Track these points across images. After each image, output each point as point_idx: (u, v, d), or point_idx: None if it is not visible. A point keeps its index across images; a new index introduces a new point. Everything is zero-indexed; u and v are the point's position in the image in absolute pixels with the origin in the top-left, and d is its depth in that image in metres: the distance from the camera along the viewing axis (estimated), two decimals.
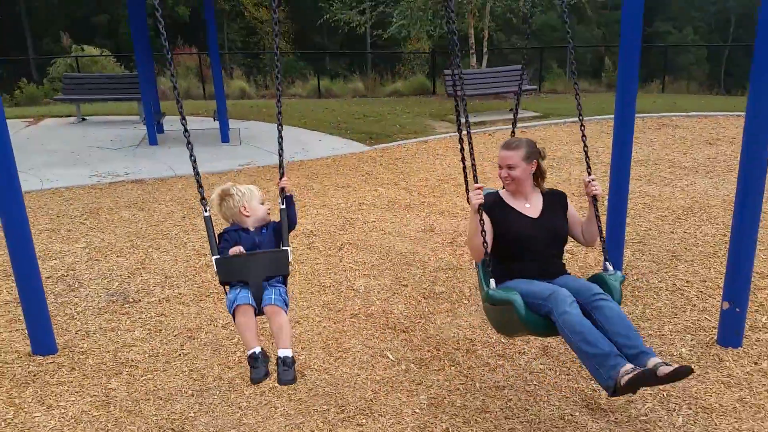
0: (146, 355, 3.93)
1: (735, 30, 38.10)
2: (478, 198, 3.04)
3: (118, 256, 5.54)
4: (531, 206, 3.29)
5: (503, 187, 3.39)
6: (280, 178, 2.99)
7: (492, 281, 3.00)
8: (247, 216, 2.97)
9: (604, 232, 3.29)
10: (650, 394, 3.37)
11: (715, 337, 3.91)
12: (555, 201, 3.35)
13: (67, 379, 3.66)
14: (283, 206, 2.96)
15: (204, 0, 10.29)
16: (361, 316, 4.40)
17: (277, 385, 3.48)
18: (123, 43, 28.74)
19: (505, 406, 3.35)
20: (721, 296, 3.87)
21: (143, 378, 3.68)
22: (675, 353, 3.80)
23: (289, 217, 2.96)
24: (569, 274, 3.25)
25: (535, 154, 3.28)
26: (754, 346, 3.84)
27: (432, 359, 3.84)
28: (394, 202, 7.04)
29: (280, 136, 2.99)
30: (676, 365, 2.54)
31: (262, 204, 3.03)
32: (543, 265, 3.17)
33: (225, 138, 10.45)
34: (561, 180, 7.25)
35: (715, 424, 3.14)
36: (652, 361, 2.62)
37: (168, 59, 2.76)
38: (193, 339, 4.12)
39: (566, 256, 4.47)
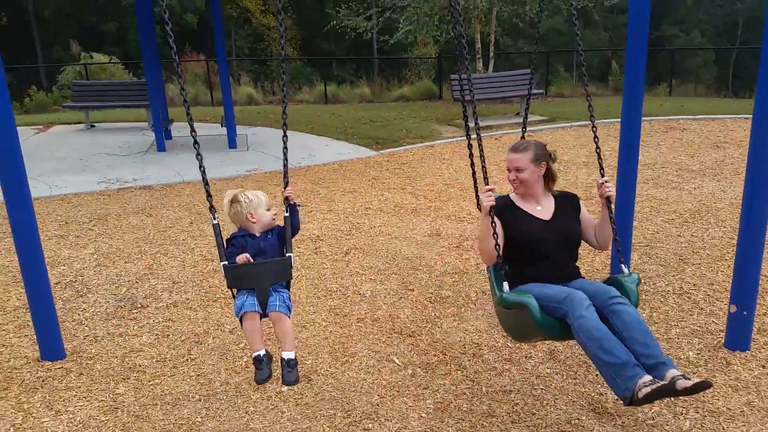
0: (154, 360, 3.95)
1: (743, 33, 37.96)
2: (489, 200, 2.98)
3: (126, 262, 5.58)
4: (542, 209, 3.25)
5: (513, 191, 3.36)
6: (285, 187, 3.11)
7: (505, 284, 2.94)
8: (254, 222, 3.09)
9: (617, 234, 3.22)
10: None
11: (723, 341, 3.89)
12: (567, 203, 3.31)
13: (75, 385, 3.68)
14: (287, 214, 3.08)
15: (212, 7, 10.38)
16: (368, 321, 4.41)
17: (283, 389, 3.56)
18: (131, 50, 28.95)
19: (512, 410, 3.35)
20: (729, 299, 3.85)
21: (151, 383, 3.69)
22: (682, 357, 3.78)
23: (293, 224, 3.09)
24: (583, 277, 3.20)
25: (544, 156, 3.24)
26: (762, 350, 3.81)
27: (438, 363, 3.84)
28: (400, 206, 7.05)
29: (285, 147, 3.10)
30: (695, 380, 2.47)
31: (269, 210, 3.13)
32: (556, 268, 3.12)
33: (232, 144, 10.50)
34: (568, 184, 7.23)
35: (723, 428, 3.12)
36: (671, 374, 2.56)
37: (177, 69, 2.91)
38: (201, 344, 4.14)
39: None
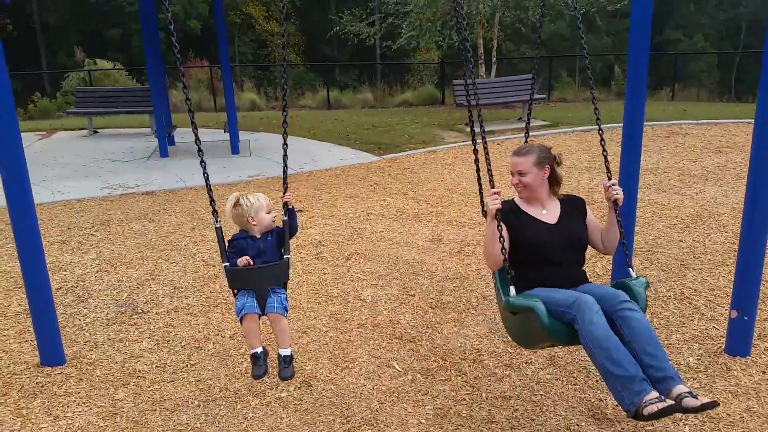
0: (153, 366, 3.95)
1: (746, 37, 37.91)
2: (495, 203, 2.93)
3: (127, 268, 5.59)
4: (548, 212, 3.21)
5: (517, 195, 3.32)
6: (284, 193, 3.31)
7: (512, 288, 2.89)
8: (254, 225, 3.23)
9: (624, 238, 3.18)
10: None
11: (723, 346, 3.88)
12: (573, 207, 3.27)
13: (74, 390, 3.69)
14: (286, 218, 3.27)
15: (215, 14, 10.42)
16: (368, 326, 4.41)
17: (282, 395, 3.56)
18: (135, 56, 29.07)
19: (512, 416, 3.34)
20: (730, 305, 3.84)
21: (150, 389, 3.70)
22: (683, 362, 3.77)
23: (291, 226, 3.29)
24: (590, 282, 3.15)
25: (547, 159, 3.20)
26: (763, 355, 3.80)
27: (438, 369, 3.83)
28: (402, 211, 7.05)
29: (285, 155, 3.32)
30: (702, 399, 2.45)
31: (269, 213, 3.25)
32: (563, 272, 3.07)
33: (235, 149, 10.53)
34: (570, 189, 7.21)
35: None
36: (678, 389, 2.53)
37: (182, 80, 3.05)
38: (201, 350, 4.14)
39: None
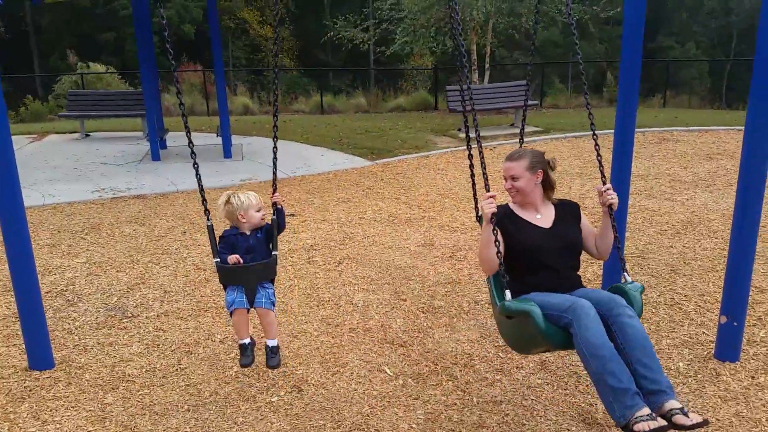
0: (143, 370, 3.93)
1: (737, 45, 38.22)
2: (490, 207, 2.91)
3: (117, 271, 5.56)
4: (542, 217, 3.19)
5: (511, 200, 3.30)
6: (273, 193, 3.47)
7: (507, 292, 2.86)
8: (244, 222, 3.37)
9: (619, 242, 3.17)
10: None
11: (713, 352, 3.89)
12: (567, 211, 3.26)
13: (63, 394, 3.66)
14: (275, 216, 3.43)
15: (209, 18, 10.43)
16: (360, 331, 4.40)
17: (273, 400, 3.54)
18: (129, 60, 29.03)
19: (502, 420, 3.34)
20: (719, 310, 3.86)
21: (140, 393, 3.67)
22: (672, 367, 3.78)
23: (279, 224, 3.45)
24: (584, 286, 3.14)
25: (540, 164, 3.19)
26: (752, 361, 3.82)
27: (430, 374, 3.83)
28: (394, 216, 7.05)
29: (275, 157, 3.51)
30: (693, 417, 2.44)
31: (258, 211, 3.39)
32: (558, 276, 3.05)
33: (228, 153, 10.52)
34: (562, 195, 7.19)
35: None
36: (669, 405, 2.51)
37: (176, 85, 3.29)
38: (191, 354, 4.12)
39: None
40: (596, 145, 3.27)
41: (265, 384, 3.73)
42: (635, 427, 2.45)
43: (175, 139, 11.79)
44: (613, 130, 4.34)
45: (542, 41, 31.37)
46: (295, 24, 34.44)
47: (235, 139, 11.42)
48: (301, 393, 3.64)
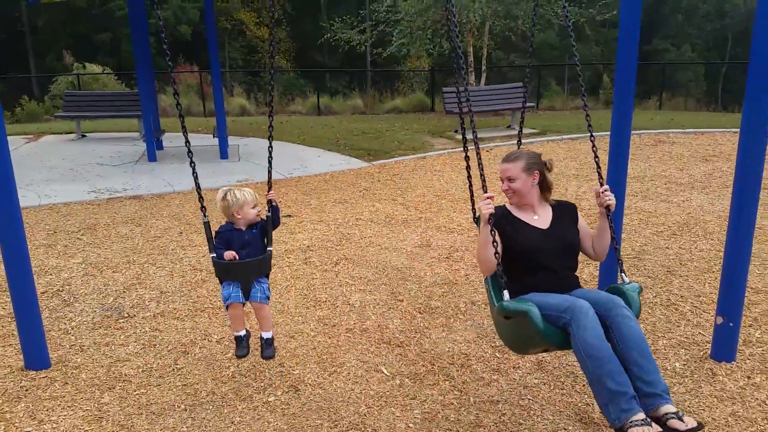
0: (140, 370, 3.92)
1: (732, 48, 38.38)
2: (488, 208, 2.91)
3: (114, 272, 5.55)
4: (539, 218, 3.20)
5: (508, 201, 3.31)
6: (268, 191, 3.62)
7: (506, 293, 2.86)
8: (239, 218, 3.47)
9: (616, 243, 3.17)
10: None
11: (709, 352, 3.91)
12: (565, 212, 3.26)
13: (59, 394, 3.65)
14: (269, 214, 3.56)
15: (206, 19, 10.42)
16: (356, 331, 4.40)
17: (270, 399, 3.54)
18: (125, 60, 29.00)
19: (499, 420, 3.34)
20: (715, 311, 3.87)
21: (136, 393, 3.67)
22: (669, 368, 3.79)
23: (274, 220, 3.58)
24: (582, 287, 3.14)
25: (536, 165, 3.20)
26: (747, 361, 3.83)
27: (426, 374, 3.83)
28: (391, 217, 7.06)
29: (270, 156, 3.67)
30: (688, 422, 2.45)
31: (254, 208, 3.48)
32: (556, 278, 3.05)
33: (224, 154, 10.52)
34: (558, 196, 7.13)
35: None
36: (665, 409, 2.52)
37: (174, 86, 3.35)
38: (187, 354, 4.12)
39: None
40: (594, 147, 3.28)
41: (262, 384, 3.73)
42: (629, 431, 2.47)
43: (171, 139, 11.77)
44: (609, 132, 4.35)
45: (539, 43, 31.45)
46: (291, 25, 34.47)
47: (232, 140, 11.41)
48: (298, 393, 3.64)
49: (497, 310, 2.88)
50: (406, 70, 25.18)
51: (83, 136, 12.96)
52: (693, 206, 7.09)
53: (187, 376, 3.84)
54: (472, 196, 3.58)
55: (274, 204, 3.57)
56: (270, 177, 3.70)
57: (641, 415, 2.49)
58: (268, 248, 3.50)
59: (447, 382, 3.72)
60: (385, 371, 3.87)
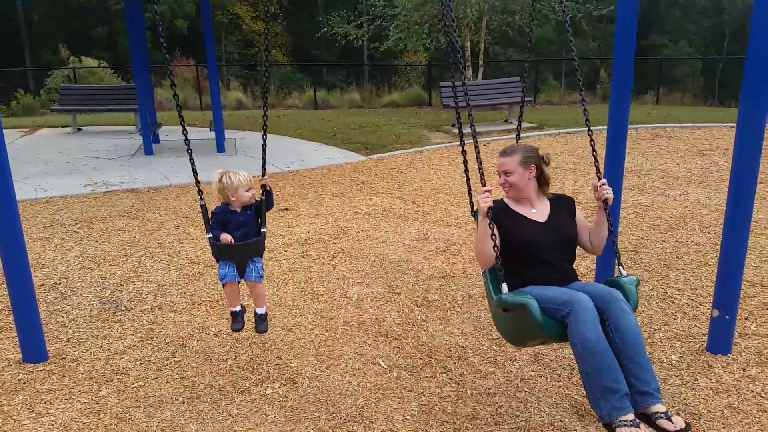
0: (137, 363, 3.92)
1: (729, 43, 38.38)
2: (486, 201, 2.91)
3: (111, 265, 5.55)
4: (537, 211, 3.20)
5: (505, 195, 3.31)
6: (262, 176, 3.77)
7: (504, 286, 2.86)
8: (233, 200, 3.62)
9: (614, 237, 3.19)
10: None
11: (705, 345, 3.93)
12: (562, 206, 3.27)
13: (57, 387, 3.65)
14: (263, 197, 3.72)
15: (202, 13, 10.38)
16: (354, 324, 4.41)
17: (267, 392, 3.55)
18: (121, 54, 28.84)
19: (496, 412, 3.35)
20: (711, 304, 3.88)
21: (134, 385, 3.67)
22: (665, 360, 3.81)
23: (268, 203, 3.74)
24: (579, 280, 3.15)
25: (533, 159, 3.20)
26: (743, 353, 3.85)
27: (424, 366, 3.84)
28: (388, 211, 7.06)
29: (265, 144, 3.89)
30: (677, 424, 2.48)
31: (248, 191, 3.62)
32: (554, 271, 3.06)
33: (221, 148, 10.50)
34: (556, 190, 7.16)
35: (704, 430, 3.14)
36: (655, 408, 2.55)
37: (172, 84, 3.50)
38: (185, 347, 4.12)
39: None
40: (591, 141, 3.28)
41: (260, 376, 3.74)
42: (617, 429, 2.51)
43: (167, 133, 11.75)
44: (606, 127, 4.35)
45: (536, 38, 31.40)
46: (288, 19, 34.35)
47: (229, 134, 11.39)
48: (295, 385, 3.65)
49: (496, 302, 2.88)
50: (403, 64, 25.14)
51: (79, 129, 12.92)
52: (690, 200, 7.11)
53: (185, 369, 3.84)
54: (469, 189, 3.58)
55: (268, 188, 3.72)
56: (264, 163, 3.87)
57: (631, 416, 2.53)
58: (261, 229, 3.66)
59: (444, 375, 3.73)
60: (382, 364, 3.88)
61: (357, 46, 21.93)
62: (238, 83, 22.28)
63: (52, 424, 3.30)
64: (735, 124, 3.62)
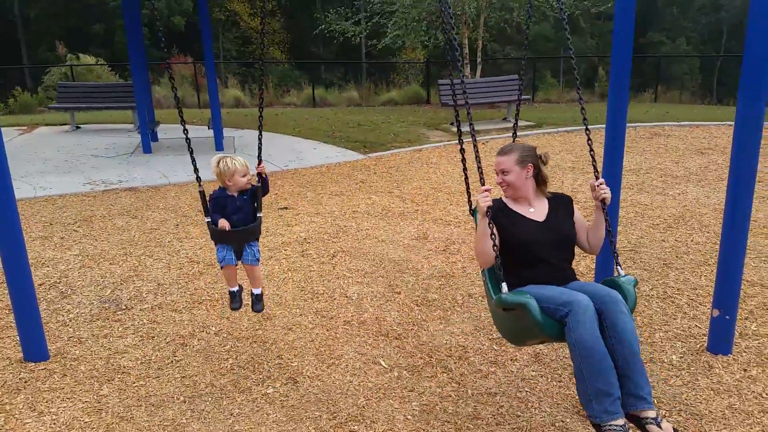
0: (138, 362, 3.92)
1: (727, 41, 38.45)
2: (486, 200, 2.91)
3: (111, 264, 5.54)
4: (535, 210, 3.20)
5: (503, 194, 3.31)
6: (258, 164, 3.88)
7: (504, 285, 2.86)
8: (230, 185, 3.72)
9: (612, 236, 3.19)
10: None
11: (705, 345, 3.94)
12: (561, 205, 3.27)
13: (58, 386, 3.65)
14: (259, 184, 3.84)
15: (200, 10, 10.36)
16: (354, 323, 4.41)
17: (268, 391, 3.55)
18: (119, 52, 28.78)
19: (497, 412, 3.36)
20: (711, 304, 3.89)
21: (135, 384, 3.67)
22: (665, 360, 3.82)
23: (264, 188, 3.86)
24: (577, 279, 3.15)
25: (530, 158, 3.20)
26: (744, 353, 3.86)
27: (424, 366, 3.85)
28: (387, 210, 7.06)
29: (261, 134, 4.05)
30: (667, 430, 2.53)
31: (244, 177, 3.72)
32: (553, 270, 3.06)
33: (219, 146, 10.48)
34: (554, 189, 7.19)
35: (705, 431, 3.15)
36: (646, 413, 2.58)
37: (171, 83, 3.59)
38: (186, 346, 4.12)
39: None
40: (589, 139, 3.29)
41: (261, 376, 3.74)
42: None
43: (166, 131, 11.73)
44: (604, 125, 4.36)
45: (533, 36, 31.41)
46: (286, 17, 34.30)
47: (227, 132, 11.37)
48: (296, 385, 3.65)
49: (495, 302, 2.89)
50: (402, 62, 25.13)
51: (78, 127, 12.90)
52: (689, 199, 7.12)
53: (186, 368, 3.84)
54: (468, 188, 3.58)
55: (264, 176, 3.85)
56: (260, 152, 3.98)
57: (621, 421, 2.55)
58: (258, 214, 3.78)
59: (445, 375, 3.74)
60: (383, 363, 3.88)
61: (355, 43, 21.92)
62: (236, 81, 22.26)
63: (54, 423, 3.30)
64: (733, 123, 3.63)
